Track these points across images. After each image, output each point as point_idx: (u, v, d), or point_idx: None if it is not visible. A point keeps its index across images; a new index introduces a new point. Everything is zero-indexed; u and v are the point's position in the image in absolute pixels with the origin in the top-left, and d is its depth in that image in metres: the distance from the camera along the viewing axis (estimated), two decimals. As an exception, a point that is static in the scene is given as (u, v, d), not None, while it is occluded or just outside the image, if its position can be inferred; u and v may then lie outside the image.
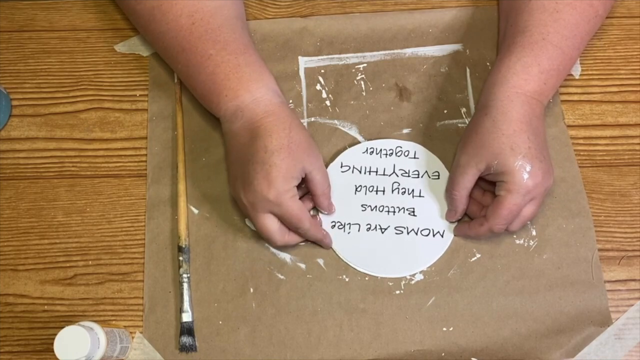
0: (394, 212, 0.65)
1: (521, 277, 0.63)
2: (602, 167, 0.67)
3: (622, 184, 0.66)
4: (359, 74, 0.71)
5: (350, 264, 0.63)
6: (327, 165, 0.66)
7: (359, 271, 0.63)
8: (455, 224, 0.64)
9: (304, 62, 0.71)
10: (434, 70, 0.71)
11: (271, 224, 0.59)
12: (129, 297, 0.63)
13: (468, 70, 0.71)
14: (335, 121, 0.69)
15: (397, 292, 0.63)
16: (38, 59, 0.72)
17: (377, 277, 0.63)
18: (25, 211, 0.66)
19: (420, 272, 0.63)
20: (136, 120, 0.70)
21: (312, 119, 0.69)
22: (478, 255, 0.63)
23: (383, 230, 0.64)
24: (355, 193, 0.66)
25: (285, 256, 0.64)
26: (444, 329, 0.61)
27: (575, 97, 0.70)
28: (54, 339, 0.53)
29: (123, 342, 0.59)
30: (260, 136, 0.59)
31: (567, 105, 0.69)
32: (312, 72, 0.71)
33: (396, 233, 0.64)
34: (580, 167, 0.66)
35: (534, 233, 0.64)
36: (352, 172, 0.66)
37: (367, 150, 0.67)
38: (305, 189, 0.63)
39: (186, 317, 0.61)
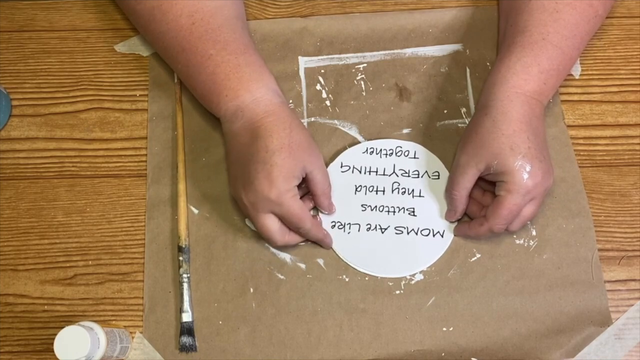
0: (394, 212, 0.65)
1: (521, 277, 0.63)
2: (602, 167, 0.67)
3: (622, 184, 0.66)
4: (359, 74, 0.71)
5: (350, 264, 0.63)
6: (327, 165, 0.66)
7: (359, 271, 0.63)
8: (455, 224, 0.64)
9: (304, 62, 0.71)
10: (434, 70, 0.71)
11: (272, 224, 0.59)
12: (129, 297, 0.63)
13: (468, 70, 0.71)
14: (335, 121, 0.69)
15: (397, 292, 0.63)
16: (38, 59, 0.72)
17: (377, 277, 0.63)
18: (25, 211, 0.66)
19: (420, 272, 0.63)
20: (136, 120, 0.70)
21: (312, 119, 0.69)
22: (478, 255, 0.63)
23: (383, 230, 0.64)
24: (355, 193, 0.66)
25: (285, 256, 0.64)
26: (444, 329, 0.61)
27: (575, 97, 0.70)
28: (54, 339, 0.53)
29: (123, 342, 0.59)
30: (261, 136, 0.59)
31: (567, 105, 0.69)
32: (312, 72, 0.71)
33: (396, 233, 0.64)
34: (580, 167, 0.66)
35: (534, 233, 0.64)
36: (352, 172, 0.66)
37: (367, 150, 0.67)
38: (305, 189, 0.63)
39: (186, 317, 0.61)
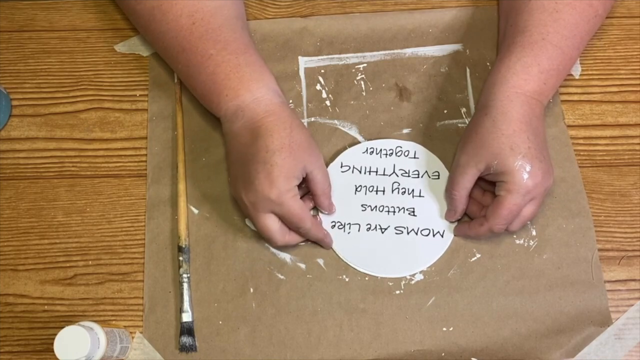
0: (394, 212, 0.65)
1: (521, 277, 0.63)
2: (602, 167, 0.67)
3: (622, 184, 0.66)
4: (359, 74, 0.71)
5: (350, 264, 0.63)
6: (327, 165, 0.66)
7: (359, 271, 0.63)
8: (455, 224, 0.64)
9: (304, 62, 0.71)
10: (434, 70, 0.71)
11: (272, 224, 0.59)
12: (129, 297, 0.63)
13: (468, 70, 0.71)
14: (335, 121, 0.69)
15: (397, 292, 0.63)
16: (38, 59, 0.72)
17: (377, 277, 0.63)
18: (25, 211, 0.66)
19: (420, 272, 0.63)
20: (136, 120, 0.70)
21: (312, 119, 0.69)
22: (478, 255, 0.63)
23: (383, 230, 0.64)
24: (355, 193, 0.66)
25: (285, 256, 0.64)
26: (444, 329, 0.61)
27: (575, 97, 0.70)
28: (54, 339, 0.53)
29: (123, 342, 0.59)
30: (261, 136, 0.59)
31: (567, 105, 0.69)
32: (312, 72, 0.71)
33: (396, 233, 0.64)
34: (580, 167, 0.66)
35: (534, 233, 0.64)
36: (352, 172, 0.66)
37: (367, 150, 0.67)
38: (305, 188, 0.63)
39: (186, 317, 0.61)
